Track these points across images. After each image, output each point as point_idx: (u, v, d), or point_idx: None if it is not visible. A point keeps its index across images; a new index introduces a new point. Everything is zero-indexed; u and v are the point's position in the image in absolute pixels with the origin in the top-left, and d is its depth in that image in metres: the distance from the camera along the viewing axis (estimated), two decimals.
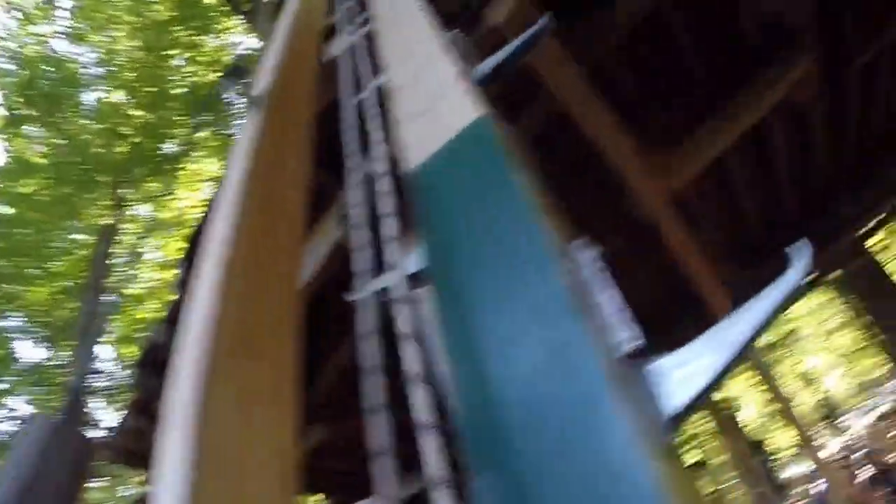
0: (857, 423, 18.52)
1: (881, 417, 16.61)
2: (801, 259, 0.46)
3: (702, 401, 0.44)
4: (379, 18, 1.44)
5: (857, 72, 3.48)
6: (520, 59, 1.09)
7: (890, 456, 9.79)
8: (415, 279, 0.67)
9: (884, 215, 6.09)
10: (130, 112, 11.83)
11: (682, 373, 0.45)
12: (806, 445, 7.26)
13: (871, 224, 6.10)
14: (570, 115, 2.21)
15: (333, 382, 3.22)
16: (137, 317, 12.34)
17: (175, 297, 3.08)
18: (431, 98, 0.84)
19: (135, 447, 3.43)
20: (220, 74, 11.51)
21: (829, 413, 18.66)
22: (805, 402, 19.86)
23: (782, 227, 4.73)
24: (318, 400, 3.33)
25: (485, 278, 0.55)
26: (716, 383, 0.44)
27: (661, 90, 2.86)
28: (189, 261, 2.79)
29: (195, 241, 2.74)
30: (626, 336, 0.48)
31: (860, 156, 4.74)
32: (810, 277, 6.05)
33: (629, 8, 2.20)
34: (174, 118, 12.16)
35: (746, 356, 0.49)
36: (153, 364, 3.07)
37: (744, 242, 4.73)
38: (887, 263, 9.02)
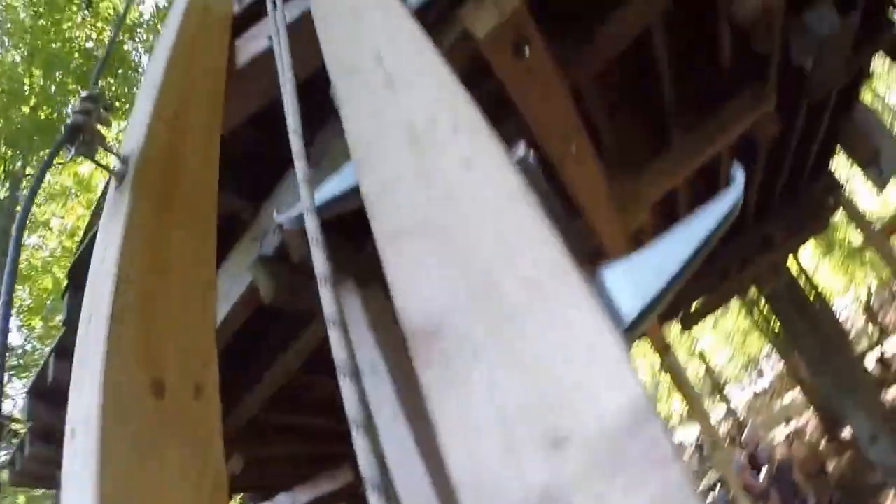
0: (739, 397, 20.72)
1: (758, 394, 18.46)
2: (739, 176, 0.50)
3: (658, 304, 0.43)
4: None
5: (806, 110, 3.52)
6: None
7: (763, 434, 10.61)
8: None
9: (805, 237, 6.46)
10: (26, 74, 10.69)
11: (635, 277, 0.44)
12: (695, 413, 7.71)
13: (793, 245, 6.42)
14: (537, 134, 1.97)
15: (254, 412, 2.96)
16: (42, 286, 11.61)
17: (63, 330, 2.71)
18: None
19: (37, 470, 3.10)
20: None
21: (716, 386, 20.38)
22: (695, 373, 21.50)
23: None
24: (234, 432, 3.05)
25: None
26: (671, 286, 0.44)
27: (630, 117, 2.71)
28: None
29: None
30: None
31: (791, 181, 4.89)
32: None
33: (616, 33, 1.99)
34: (72, 80, 11.02)
35: (696, 263, 0.46)
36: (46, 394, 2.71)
37: None
38: (805, 283, 9.61)
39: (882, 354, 13.32)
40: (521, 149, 0.61)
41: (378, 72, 0.74)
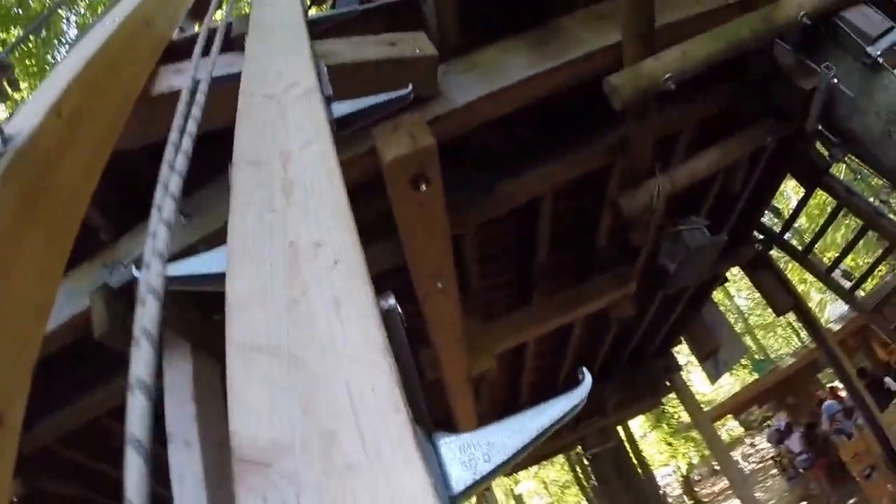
0: None
1: None
2: (587, 380, 0.55)
3: (485, 481, 0.47)
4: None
5: (660, 298, 3.90)
6: (373, 118, 1.02)
7: None
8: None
9: (637, 410, 6.93)
10: None
11: (469, 453, 0.47)
12: None
13: (625, 415, 6.85)
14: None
15: (48, 440, 2.69)
16: None
17: None
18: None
19: None
20: None
21: None
22: None
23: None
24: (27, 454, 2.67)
25: None
26: (501, 468, 0.47)
27: (500, 270, 2.87)
28: None
29: None
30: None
31: (633, 358, 5.29)
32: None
33: (515, 193, 2.13)
34: None
35: (528, 450, 0.51)
36: None
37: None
38: (631, 449, 10.18)
39: None
40: (390, 299, 0.60)
41: (280, 174, 0.72)
